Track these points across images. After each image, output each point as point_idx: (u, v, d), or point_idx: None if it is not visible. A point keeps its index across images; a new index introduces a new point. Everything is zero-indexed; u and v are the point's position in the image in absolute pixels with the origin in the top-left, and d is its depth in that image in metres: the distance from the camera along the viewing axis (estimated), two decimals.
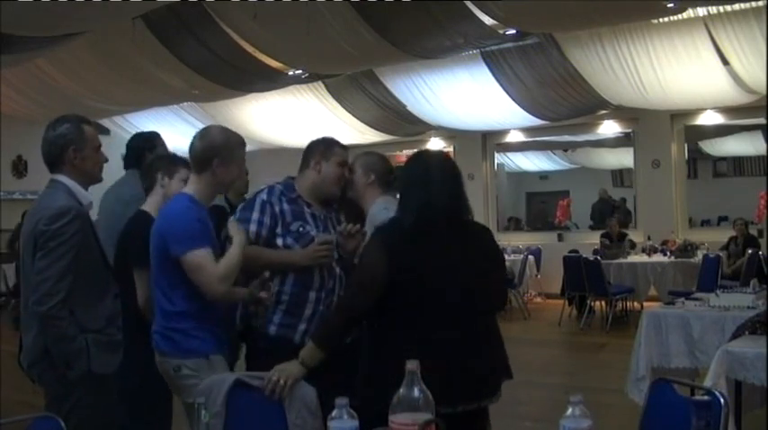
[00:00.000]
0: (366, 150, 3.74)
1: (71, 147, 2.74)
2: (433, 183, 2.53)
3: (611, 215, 11.77)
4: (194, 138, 2.88)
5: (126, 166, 3.96)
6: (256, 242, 2.96)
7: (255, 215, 2.99)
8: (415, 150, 3.16)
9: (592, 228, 12.79)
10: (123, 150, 4.01)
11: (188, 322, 2.75)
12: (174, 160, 3.46)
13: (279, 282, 2.99)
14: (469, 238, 2.56)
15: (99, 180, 2.90)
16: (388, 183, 3.47)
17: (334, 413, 1.79)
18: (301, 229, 3.02)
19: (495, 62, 10.25)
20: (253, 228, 2.97)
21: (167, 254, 2.72)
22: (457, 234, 2.52)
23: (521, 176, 15.43)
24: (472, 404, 2.43)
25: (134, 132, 4.60)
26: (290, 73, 9.75)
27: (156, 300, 2.85)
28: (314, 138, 3.24)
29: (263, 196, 3.04)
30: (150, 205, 3.34)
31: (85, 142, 2.78)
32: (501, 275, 2.79)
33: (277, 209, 3.02)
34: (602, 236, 10.63)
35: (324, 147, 3.15)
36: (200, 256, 2.66)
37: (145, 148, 3.92)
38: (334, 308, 2.81)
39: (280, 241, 3.00)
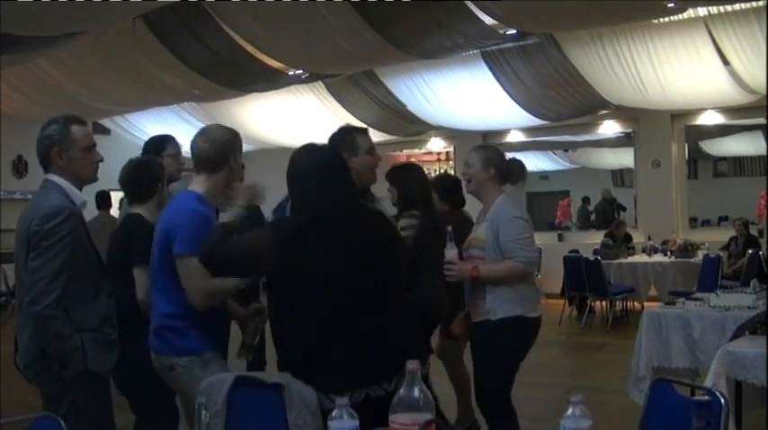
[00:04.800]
0: (480, 144, 3.67)
1: (54, 149, 2.73)
2: (327, 179, 2.51)
3: (615, 215, 11.76)
4: (198, 140, 2.84)
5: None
6: None
7: None
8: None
9: (595, 227, 12.77)
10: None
11: (184, 321, 2.76)
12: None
13: None
14: (361, 225, 2.57)
15: (93, 180, 2.88)
16: (505, 177, 3.51)
17: (334, 413, 1.78)
18: None
19: (495, 62, 10.23)
20: None
21: (171, 251, 2.72)
22: (348, 223, 2.52)
23: None
24: (377, 389, 2.39)
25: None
26: (290, 73, 9.74)
27: (154, 299, 2.85)
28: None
29: None
30: (145, 209, 3.36)
31: (71, 143, 2.74)
32: (400, 255, 2.70)
33: None
34: (606, 235, 10.61)
35: (348, 142, 3.14)
36: (196, 263, 2.59)
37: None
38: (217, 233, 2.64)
39: None
